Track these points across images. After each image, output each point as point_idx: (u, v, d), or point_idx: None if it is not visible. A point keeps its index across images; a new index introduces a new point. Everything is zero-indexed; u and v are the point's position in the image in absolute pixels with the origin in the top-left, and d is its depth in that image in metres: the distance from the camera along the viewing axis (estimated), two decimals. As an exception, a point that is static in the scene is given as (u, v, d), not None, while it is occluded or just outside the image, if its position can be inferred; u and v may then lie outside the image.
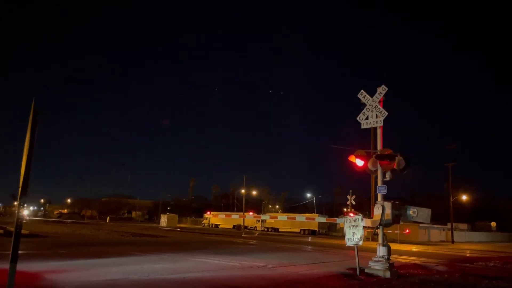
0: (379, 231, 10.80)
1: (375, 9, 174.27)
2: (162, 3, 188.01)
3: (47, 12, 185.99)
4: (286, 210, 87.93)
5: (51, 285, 7.35)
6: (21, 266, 8.96)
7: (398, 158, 10.76)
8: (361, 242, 10.43)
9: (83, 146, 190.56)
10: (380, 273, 10.12)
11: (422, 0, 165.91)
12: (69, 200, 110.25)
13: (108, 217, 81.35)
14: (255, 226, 60.39)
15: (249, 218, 58.05)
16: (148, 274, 8.84)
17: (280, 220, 56.69)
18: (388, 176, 10.92)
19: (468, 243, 47.49)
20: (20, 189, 4.72)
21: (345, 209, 43.92)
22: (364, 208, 54.95)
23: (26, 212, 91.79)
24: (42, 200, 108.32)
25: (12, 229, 4.88)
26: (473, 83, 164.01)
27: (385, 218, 10.54)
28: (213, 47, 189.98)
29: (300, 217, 52.26)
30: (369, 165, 11.23)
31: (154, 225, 64.55)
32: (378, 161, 10.94)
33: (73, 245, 17.22)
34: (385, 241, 10.70)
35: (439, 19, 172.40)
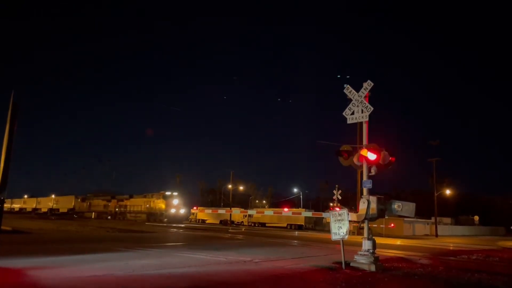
0: (365, 225, 10.90)
1: (363, 10, 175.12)
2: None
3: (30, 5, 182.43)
4: (272, 205, 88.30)
5: (34, 281, 7.23)
6: (3, 263, 8.82)
7: (383, 153, 10.85)
8: (346, 236, 10.51)
9: (67, 142, 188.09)
10: (365, 267, 10.22)
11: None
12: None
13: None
14: (242, 221, 60.49)
15: (236, 213, 58.02)
16: (133, 270, 8.76)
17: (266, 215, 56.74)
18: (373, 171, 11.00)
19: (452, 236, 48.34)
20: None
21: (331, 204, 44.19)
22: (350, 203, 55.44)
23: (173, 210, 55.93)
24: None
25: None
26: (456, 80, 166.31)
27: (370, 212, 10.63)
28: (191, 44, 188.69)
29: (287, 212, 52.48)
30: (355, 160, 11.30)
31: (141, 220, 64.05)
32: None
33: (58, 242, 17.00)
34: (370, 235, 10.79)
35: (426, 18, 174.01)
